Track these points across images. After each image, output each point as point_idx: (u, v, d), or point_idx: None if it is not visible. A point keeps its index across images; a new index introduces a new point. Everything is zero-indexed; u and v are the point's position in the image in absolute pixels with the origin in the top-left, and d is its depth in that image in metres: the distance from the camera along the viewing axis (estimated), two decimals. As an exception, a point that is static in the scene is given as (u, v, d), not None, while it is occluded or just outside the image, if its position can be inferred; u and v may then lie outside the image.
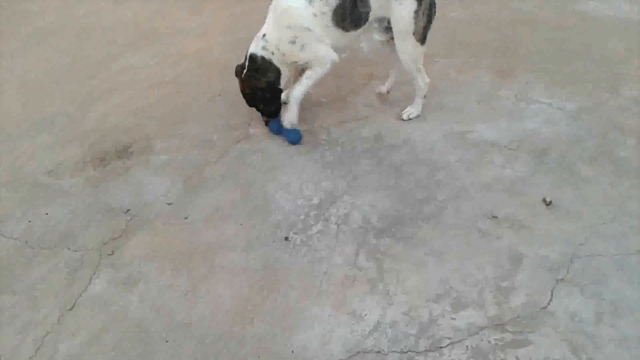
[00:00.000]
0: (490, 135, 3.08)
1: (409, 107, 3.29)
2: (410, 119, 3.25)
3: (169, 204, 2.84)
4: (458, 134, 3.12)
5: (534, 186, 2.73)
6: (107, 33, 4.53)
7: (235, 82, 3.72)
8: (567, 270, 2.30)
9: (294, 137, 3.05)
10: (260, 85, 2.95)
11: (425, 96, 3.20)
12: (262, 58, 2.89)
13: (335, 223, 2.64)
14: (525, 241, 2.44)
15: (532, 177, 2.79)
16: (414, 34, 2.90)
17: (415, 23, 2.86)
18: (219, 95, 3.68)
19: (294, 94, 3.01)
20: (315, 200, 2.78)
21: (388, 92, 3.49)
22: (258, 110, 3.09)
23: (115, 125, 3.46)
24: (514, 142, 3.01)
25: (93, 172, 3.10)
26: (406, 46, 2.93)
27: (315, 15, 2.77)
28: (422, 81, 3.15)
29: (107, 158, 3.20)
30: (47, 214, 2.84)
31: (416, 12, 2.83)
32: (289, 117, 3.05)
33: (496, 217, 2.58)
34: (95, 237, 2.67)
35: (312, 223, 2.65)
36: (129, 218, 2.77)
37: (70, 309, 2.31)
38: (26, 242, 2.66)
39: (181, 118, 3.48)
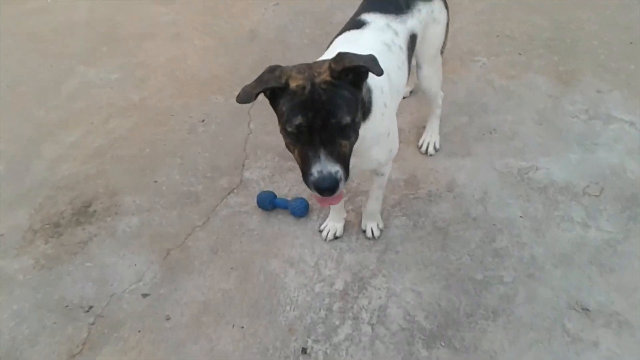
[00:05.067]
0: (560, 174, 2.46)
1: (424, 135, 2.68)
2: (437, 151, 2.62)
3: (144, 295, 2.25)
4: (516, 174, 2.50)
5: (629, 255, 2.14)
6: (58, 38, 3.80)
7: (223, 105, 3.08)
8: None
9: (299, 209, 2.42)
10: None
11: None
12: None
13: (369, 323, 2.06)
14: (630, 348, 1.86)
15: (625, 239, 2.20)
16: (442, 52, 2.37)
17: (445, 37, 2.32)
18: (202, 122, 3.03)
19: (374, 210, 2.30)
20: (339, 285, 2.20)
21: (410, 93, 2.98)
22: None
23: (71, 174, 2.83)
24: (594, 185, 2.40)
25: (44, 247, 2.49)
26: (435, 67, 2.37)
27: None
28: (441, 97, 2.59)
29: (62, 224, 2.59)
30: (-17, 318, 2.24)
31: (447, 24, 2.29)
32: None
33: (587, 309, 1.99)
34: (47, 357, 2.09)
35: (338, 323, 2.08)
36: (91, 321, 2.19)
37: None
38: (-47, 373, 2.09)
39: (154, 160, 2.84)
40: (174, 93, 3.24)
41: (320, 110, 1.46)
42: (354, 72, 1.52)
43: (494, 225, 2.32)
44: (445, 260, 2.22)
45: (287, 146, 1.60)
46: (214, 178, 2.70)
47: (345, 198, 2.44)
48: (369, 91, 1.71)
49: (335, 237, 2.35)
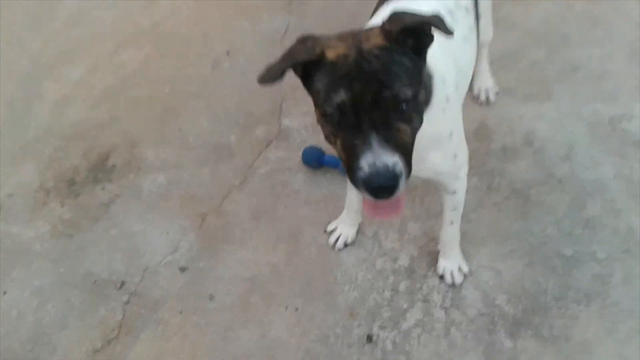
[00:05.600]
0: (658, 125, 2.14)
1: (476, 80, 2.26)
2: (497, 95, 2.29)
3: (181, 269, 2.04)
4: (607, 123, 2.20)
5: None
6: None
7: (249, 32, 2.69)
8: None
9: None
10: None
11: None
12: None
13: (442, 306, 1.86)
14: None
15: None
16: None
17: None
18: (227, 55, 2.66)
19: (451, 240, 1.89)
20: (404, 260, 1.97)
21: None
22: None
23: (80, 119, 2.52)
24: (699, 138, 2.09)
25: (60, 210, 2.25)
26: (491, 13, 2.06)
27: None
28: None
29: (77, 181, 2.33)
30: (5, 293, 2.05)
31: None
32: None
33: (695, 294, 1.77)
34: (80, 343, 1.92)
35: (405, 307, 1.88)
36: (125, 300, 2.00)
37: None
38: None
39: (176, 103, 2.52)
40: (190, 16, 2.83)
41: (370, 81, 1.10)
42: (415, 35, 1.16)
43: (582, 187, 2.05)
44: (527, 232, 1.97)
45: (327, 138, 1.22)
46: (248, 126, 2.39)
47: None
48: (429, 76, 1.32)
49: (345, 245, 2.03)
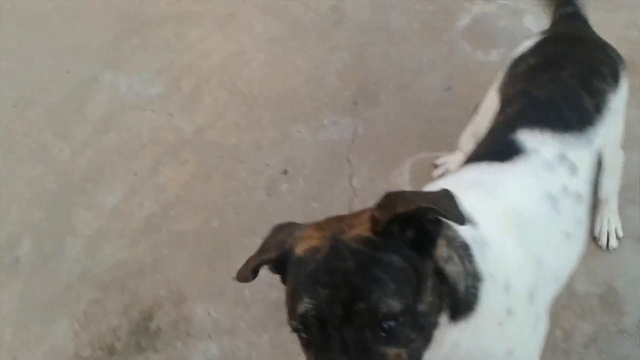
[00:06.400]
0: None
1: (599, 219, 1.88)
2: (620, 240, 1.89)
3: None
4: None
5: None
6: (66, 23, 2.92)
7: (309, 143, 2.30)
8: None
9: None
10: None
11: None
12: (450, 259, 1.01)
13: None
14: None
15: None
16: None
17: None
18: (284, 174, 2.28)
19: None
20: None
21: None
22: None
23: (118, 262, 2.20)
24: None
25: (100, 390, 1.94)
26: (617, 173, 1.72)
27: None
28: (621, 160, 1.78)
29: (118, 349, 2.03)
30: None
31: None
32: None
33: None
34: None
35: None
36: None
37: None
38: None
39: (227, 240, 2.18)
40: (240, 120, 2.45)
41: (340, 287, 0.84)
42: (414, 224, 0.89)
43: None
44: None
45: None
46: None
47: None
48: (476, 278, 1.02)
49: None
